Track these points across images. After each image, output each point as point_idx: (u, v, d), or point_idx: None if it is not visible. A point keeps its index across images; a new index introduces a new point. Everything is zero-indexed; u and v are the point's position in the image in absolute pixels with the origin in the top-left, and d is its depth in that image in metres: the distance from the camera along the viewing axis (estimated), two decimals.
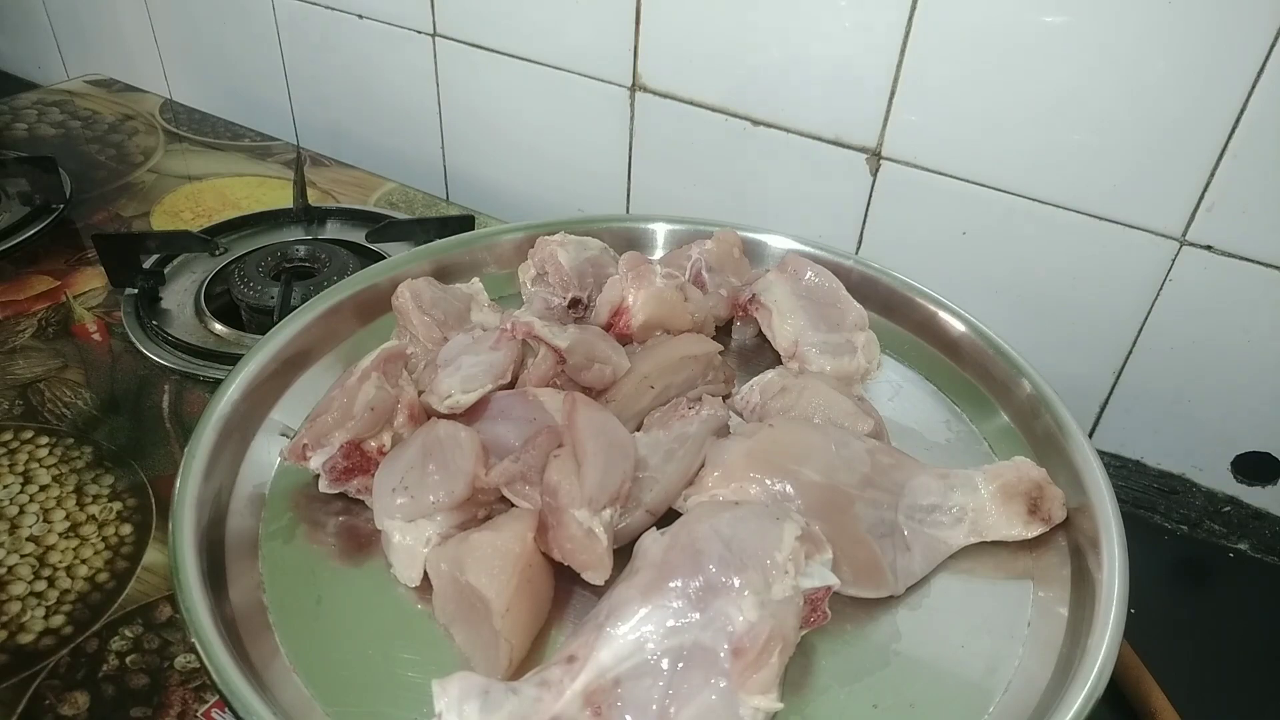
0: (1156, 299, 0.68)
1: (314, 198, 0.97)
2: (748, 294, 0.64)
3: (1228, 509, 0.72)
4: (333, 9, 1.03)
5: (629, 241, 0.71)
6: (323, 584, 0.46)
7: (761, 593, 0.39)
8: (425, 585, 0.45)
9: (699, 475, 0.49)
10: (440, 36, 0.96)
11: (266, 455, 0.53)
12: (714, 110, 0.82)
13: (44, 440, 0.66)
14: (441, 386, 0.52)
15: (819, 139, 0.78)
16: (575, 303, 0.62)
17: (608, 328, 0.60)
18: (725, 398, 0.57)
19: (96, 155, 1.07)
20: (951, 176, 0.73)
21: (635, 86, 0.85)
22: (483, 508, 0.47)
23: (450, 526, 0.46)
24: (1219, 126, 0.61)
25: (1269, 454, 0.70)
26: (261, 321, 0.77)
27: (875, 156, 0.76)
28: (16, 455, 0.65)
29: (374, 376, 0.50)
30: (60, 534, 0.59)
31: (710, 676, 0.38)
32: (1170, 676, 0.55)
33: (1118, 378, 0.73)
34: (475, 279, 0.63)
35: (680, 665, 0.38)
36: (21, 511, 0.60)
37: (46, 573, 0.56)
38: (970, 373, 0.61)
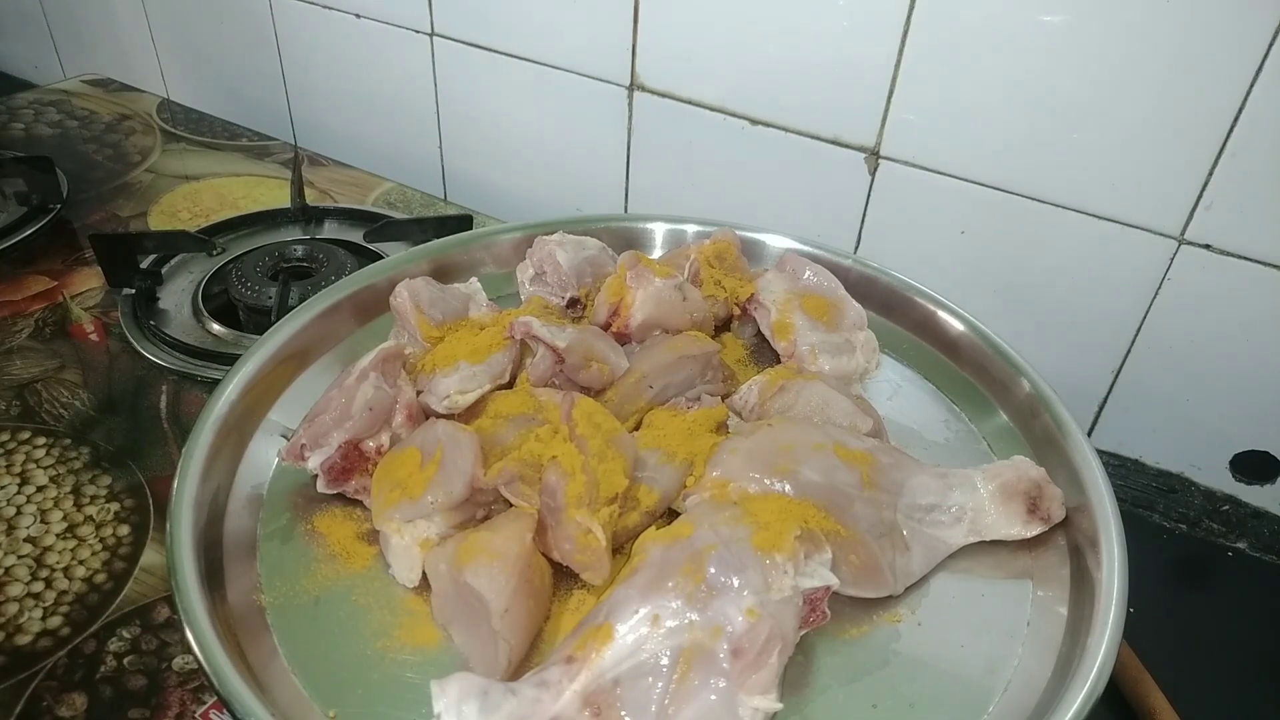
0: (1155, 298, 0.68)
1: (311, 197, 0.97)
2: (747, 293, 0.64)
3: (1226, 508, 0.72)
4: (330, 8, 1.03)
5: (627, 241, 0.71)
6: (321, 584, 0.46)
7: (761, 593, 0.39)
8: (424, 585, 0.45)
9: (698, 475, 0.49)
10: (438, 36, 0.96)
11: (264, 455, 0.53)
12: (712, 109, 0.82)
13: (41, 441, 0.66)
14: (440, 387, 0.52)
15: (817, 138, 0.78)
16: (573, 302, 0.62)
17: (606, 327, 0.59)
18: (724, 397, 0.57)
19: (94, 155, 1.07)
20: (950, 175, 0.73)
21: (634, 86, 0.85)
22: (481, 508, 0.47)
23: (449, 527, 0.46)
24: (1218, 125, 0.61)
25: (1267, 453, 0.70)
26: (259, 321, 0.77)
27: (874, 155, 0.76)
28: (14, 456, 0.64)
29: (372, 376, 0.50)
30: (58, 535, 0.59)
31: (709, 677, 0.38)
32: (1169, 675, 0.55)
33: (1116, 377, 0.73)
34: (473, 279, 0.63)
35: (679, 665, 0.38)
36: (19, 512, 0.60)
37: (44, 574, 0.56)
38: (969, 372, 0.61)
